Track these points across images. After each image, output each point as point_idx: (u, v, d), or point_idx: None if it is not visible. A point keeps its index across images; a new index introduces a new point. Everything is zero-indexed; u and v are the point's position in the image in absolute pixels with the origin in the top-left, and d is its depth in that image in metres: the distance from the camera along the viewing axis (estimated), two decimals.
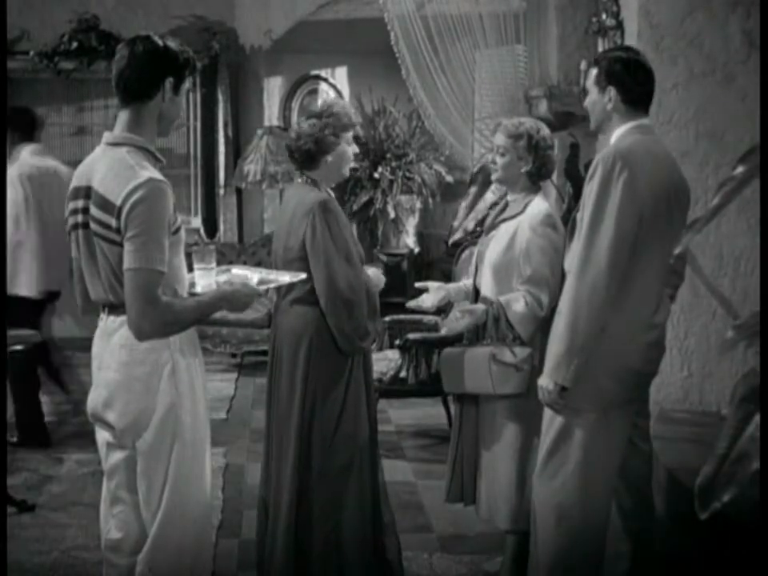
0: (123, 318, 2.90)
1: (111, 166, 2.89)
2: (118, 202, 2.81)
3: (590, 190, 3.29)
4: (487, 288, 3.94)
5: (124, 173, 2.85)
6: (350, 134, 3.83)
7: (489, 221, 4.15)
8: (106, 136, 3.01)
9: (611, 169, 3.25)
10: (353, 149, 3.85)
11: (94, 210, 2.88)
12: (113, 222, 2.83)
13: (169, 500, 2.94)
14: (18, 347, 5.44)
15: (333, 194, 3.89)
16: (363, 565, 3.80)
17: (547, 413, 3.46)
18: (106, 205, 2.85)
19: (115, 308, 2.94)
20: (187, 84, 3.03)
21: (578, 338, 3.27)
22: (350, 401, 3.75)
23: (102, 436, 3.08)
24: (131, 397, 2.92)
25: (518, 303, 3.80)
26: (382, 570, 3.89)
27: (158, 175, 2.87)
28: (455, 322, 3.98)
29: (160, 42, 2.96)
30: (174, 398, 2.92)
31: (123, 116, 2.98)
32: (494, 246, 3.94)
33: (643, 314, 3.38)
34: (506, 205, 4.05)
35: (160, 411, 2.91)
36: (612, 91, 3.39)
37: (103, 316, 3.00)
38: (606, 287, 3.24)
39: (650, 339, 3.42)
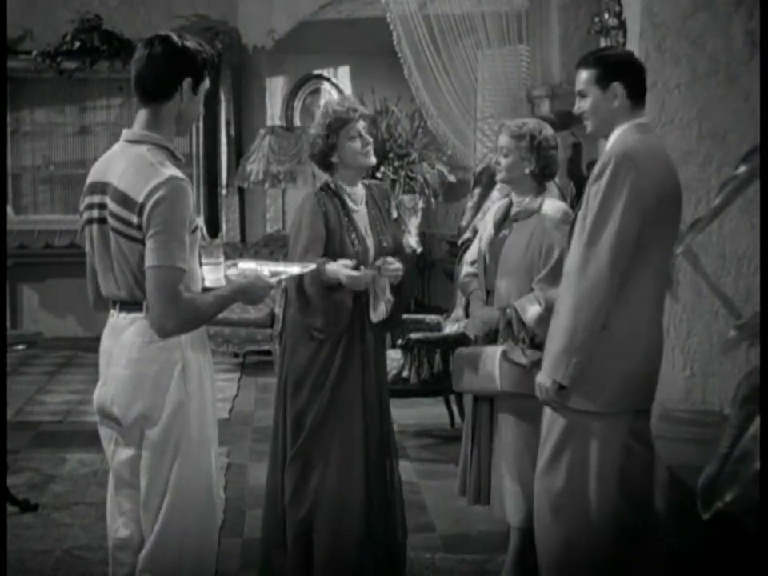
0: (135, 314, 2.90)
1: (131, 162, 2.88)
2: (140, 199, 2.80)
3: (596, 190, 3.26)
4: (507, 288, 3.92)
5: (145, 170, 2.84)
6: (348, 128, 3.81)
7: (493, 220, 4.10)
8: (125, 133, 2.99)
9: (619, 169, 3.22)
10: (359, 142, 3.82)
11: (113, 206, 2.87)
12: (134, 219, 2.82)
13: (171, 499, 2.92)
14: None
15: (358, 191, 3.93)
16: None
17: (548, 412, 3.44)
18: (126, 201, 2.84)
19: (127, 304, 2.93)
20: (207, 83, 3.00)
21: (578, 337, 3.26)
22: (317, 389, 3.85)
23: (108, 433, 3.06)
24: (140, 394, 2.91)
25: (533, 306, 3.80)
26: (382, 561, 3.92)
27: (178, 173, 2.87)
28: (474, 328, 3.99)
29: (178, 43, 2.92)
30: (182, 396, 2.91)
31: (142, 115, 2.96)
32: (510, 247, 3.93)
33: (646, 314, 3.37)
34: (510, 204, 4.04)
35: (168, 409, 2.90)
36: (618, 87, 3.32)
37: (114, 312, 2.99)
38: (607, 286, 3.23)
39: (652, 338, 3.42)
